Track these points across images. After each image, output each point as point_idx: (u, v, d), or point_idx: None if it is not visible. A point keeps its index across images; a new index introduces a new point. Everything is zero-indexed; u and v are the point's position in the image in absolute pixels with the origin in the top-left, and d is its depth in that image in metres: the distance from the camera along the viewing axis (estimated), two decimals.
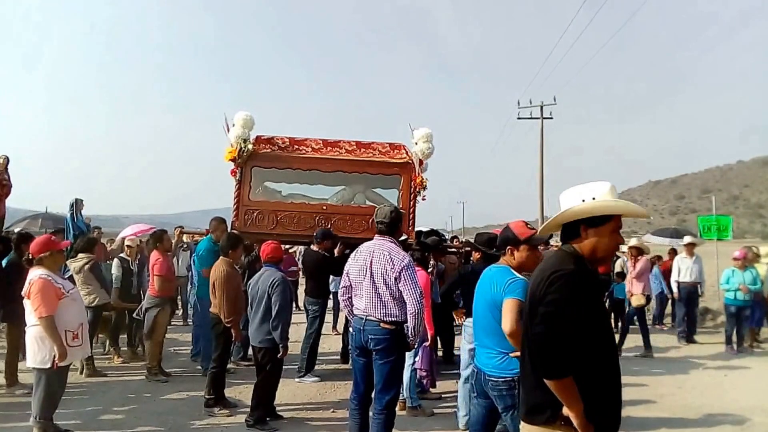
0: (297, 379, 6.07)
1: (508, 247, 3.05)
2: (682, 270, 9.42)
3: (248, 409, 5.14)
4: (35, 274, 4.24)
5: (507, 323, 2.74)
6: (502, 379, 2.88)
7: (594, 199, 2.11)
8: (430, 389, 5.68)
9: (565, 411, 2.02)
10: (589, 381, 2.00)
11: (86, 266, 6.27)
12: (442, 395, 5.67)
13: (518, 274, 2.94)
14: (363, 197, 7.15)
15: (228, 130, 6.68)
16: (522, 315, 2.72)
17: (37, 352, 4.17)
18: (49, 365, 4.12)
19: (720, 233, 11.95)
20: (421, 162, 6.64)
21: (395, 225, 3.92)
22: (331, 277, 7.12)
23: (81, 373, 6.14)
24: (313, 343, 6.29)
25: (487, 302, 3.00)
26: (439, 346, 6.83)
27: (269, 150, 6.70)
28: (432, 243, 6.34)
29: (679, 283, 9.45)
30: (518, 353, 2.70)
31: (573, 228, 2.15)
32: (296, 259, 13.00)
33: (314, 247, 6.33)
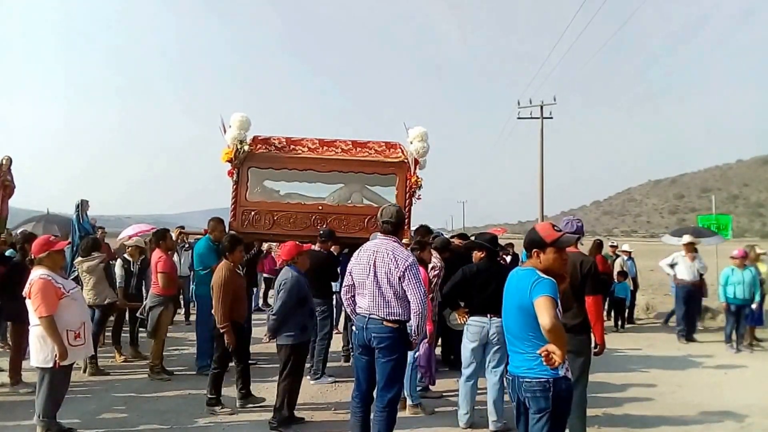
0: (312, 381, 6.04)
1: (534, 249, 2.95)
2: (682, 269, 9.41)
3: (250, 408, 5.17)
4: (35, 274, 4.28)
5: (546, 319, 2.62)
6: (536, 380, 2.81)
7: None
8: (430, 386, 5.70)
9: None
10: None
11: (101, 265, 6.33)
12: (443, 394, 5.70)
13: (544, 276, 2.84)
14: (360, 196, 7.17)
15: (224, 131, 6.72)
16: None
17: (39, 352, 4.20)
18: (51, 364, 4.15)
19: (720, 232, 11.99)
20: (416, 161, 6.66)
21: (400, 225, 3.93)
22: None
23: (84, 371, 6.17)
24: (326, 344, 6.26)
25: (516, 307, 2.92)
26: (438, 343, 6.84)
27: (265, 150, 6.74)
28: (441, 243, 6.34)
29: (678, 281, 9.46)
30: (545, 348, 2.65)
31: None
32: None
33: (317, 247, 6.36)
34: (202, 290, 6.75)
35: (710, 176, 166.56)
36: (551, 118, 24.40)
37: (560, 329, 2.63)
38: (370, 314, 3.80)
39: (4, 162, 8.79)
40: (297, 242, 5.10)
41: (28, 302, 4.26)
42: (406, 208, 6.59)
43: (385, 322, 3.75)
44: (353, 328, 4.05)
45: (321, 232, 6.36)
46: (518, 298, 2.89)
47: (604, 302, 4.50)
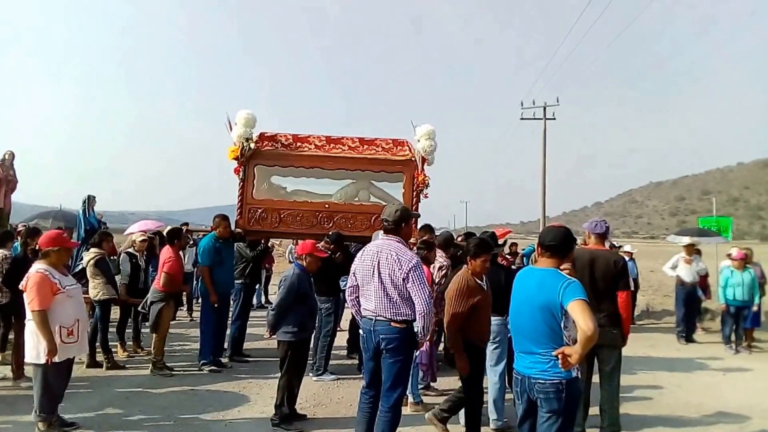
0: (315, 378, 6.01)
1: (569, 251, 3.03)
2: (683, 270, 9.42)
3: (252, 405, 5.20)
4: (34, 267, 4.27)
5: (590, 323, 2.57)
6: (550, 382, 2.79)
7: None
8: (431, 383, 5.72)
9: None
10: None
11: (92, 261, 6.32)
12: (445, 391, 5.71)
13: (571, 277, 2.84)
14: (367, 194, 7.17)
15: (230, 128, 6.72)
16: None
17: (32, 347, 4.17)
18: (43, 360, 4.11)
19: (720, 234, 12.00)
20: (424, 159, 6.64)
21: (401, 223, 3.86)
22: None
23: (87, 366, 6.17)
24: (329, 341, 6.23)
25: (538, 307, 2.84)
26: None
27: (272, 148, 6.74)
28: (444, 240, 6.31)
29: (678, 282, 9.47)
30: (561, 350, 2.65)
31: None
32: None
33: (322, 245, 6.36)
34: (206, 288, 6.78)
35: (711, 179, 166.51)
36: (554, 119, 24.44)
37: (597, 333, 2.61)
38: (376, 316, 3.75)
39: (6, 157, 8.83)
40: (315, 243, 5.05)
41: (25, 296, 4.23)
42: (414, 207, 6.57)
43: (392, 323, 3.70)
44: (360, 330, 4.02)
45: (330, 233, 6.37)
46: (544, 299, 2.82)
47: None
